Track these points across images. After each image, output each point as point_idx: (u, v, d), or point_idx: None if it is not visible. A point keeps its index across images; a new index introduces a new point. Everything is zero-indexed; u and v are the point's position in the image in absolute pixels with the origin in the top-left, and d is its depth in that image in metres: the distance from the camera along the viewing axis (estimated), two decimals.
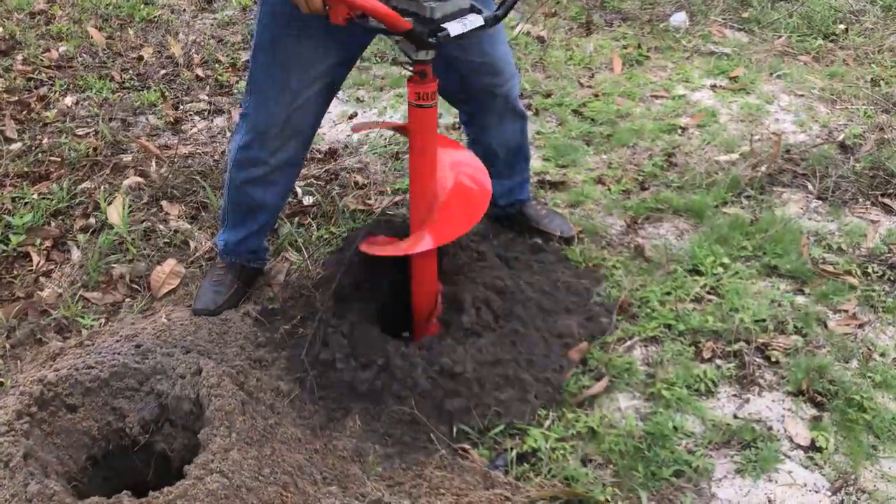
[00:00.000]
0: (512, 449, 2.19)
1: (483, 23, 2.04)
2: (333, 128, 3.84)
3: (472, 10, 2.05)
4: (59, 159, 3.50)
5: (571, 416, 2.30)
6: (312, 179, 3.41)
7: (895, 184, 3.29)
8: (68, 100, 4.02)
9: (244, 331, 2.49)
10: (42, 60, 4.41)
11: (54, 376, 2.22)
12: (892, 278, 2.85)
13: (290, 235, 2.99)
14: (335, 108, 3.99)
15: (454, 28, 1.97)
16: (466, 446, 2.20)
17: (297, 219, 3.11)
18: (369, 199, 3.25)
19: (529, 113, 3.86)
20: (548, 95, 4.04)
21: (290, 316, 2.54)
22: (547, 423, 2.28)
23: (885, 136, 3.55)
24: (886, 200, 3.25)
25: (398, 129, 2.60)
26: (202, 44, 4.62)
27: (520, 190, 2.93)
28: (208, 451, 2.01)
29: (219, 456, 1.98)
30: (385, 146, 3.63)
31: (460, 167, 2.39)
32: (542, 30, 4.74)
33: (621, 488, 2.11)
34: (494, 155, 2.76)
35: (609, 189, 3.31)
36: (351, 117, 3.92)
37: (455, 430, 2.24)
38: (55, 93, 4.08)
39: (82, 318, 2.67)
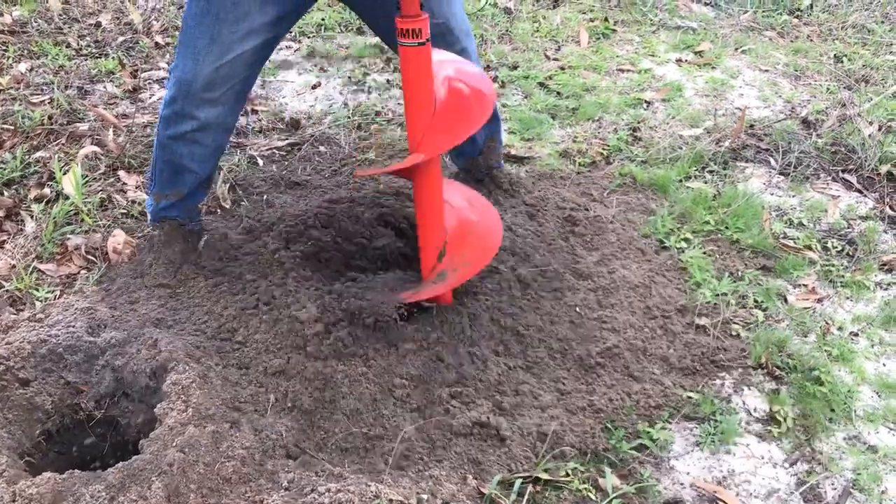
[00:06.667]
0: (474, 424, 2.18)
1: None
2: (296, 97, 3.78)
3: None
4: (13, 127, 3.40)
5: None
6: (275, 150, 3.36)
7: (856, 160, 3.32)
8: (22, 66, 3.90)
9: (201, 303, 2.44)
10: None
11: (6, 349, 2.18)
12: (850, 253, 2.88)
13: (248, 208, 2.95)
14: (298, 77, 3.93)
15: None
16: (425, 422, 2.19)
17: (256, 189, 3.06)
18: (333, 169, 3.21)
19: (495, 85, 3.82)
20: (514, 68, 4.01)
21: (248, 290, 2.50)
22: (507, 399, 2.27)
23: (847, 113, 3.57)
24: (847, 176, 3.28)
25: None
26: (162, 10, 4.51)
27: (491, 155, 2.90)
28: (165, 425, 1.98)
29: (175, 430, 1.95)
30: (349, 117, 3.58)
31: (456, 76, 2.24)
32: (509, 1, 4.69)
33: (583, 462, 2.12)
34: None
35: (574, 163, 3.30)
36: (314, 87, 3.86)
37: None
38: (9, 59, 3.96)
39: (36, 290, 2.61)
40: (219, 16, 2.13)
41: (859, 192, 3.21)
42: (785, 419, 2.26)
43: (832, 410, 2.31)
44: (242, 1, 2.13)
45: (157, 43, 4.21)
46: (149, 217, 2.67)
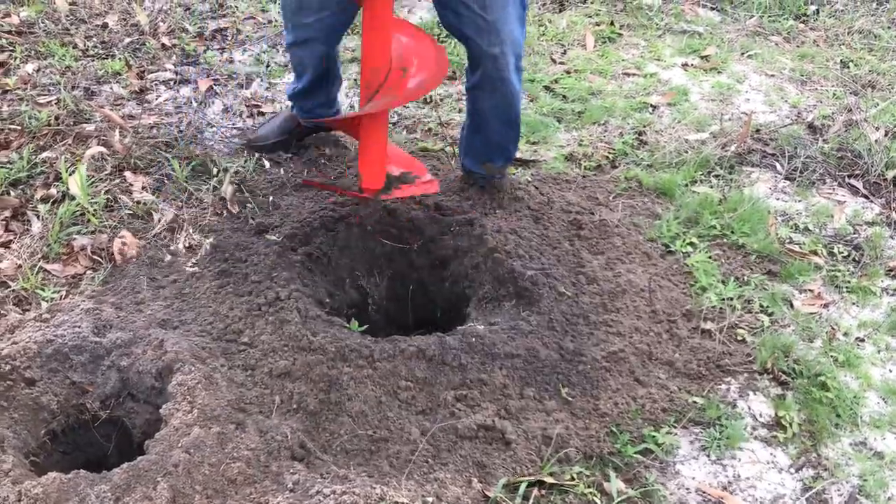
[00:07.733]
0: (479, 427, 2.18)
1: None
2: None
3: None
4: (19, 128, 3.40)
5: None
6: (280, 151, 3.35)
7: (862, 165, 3.32)
8: (29, 67, 3.91)
9: (207, 304, 2.45)
10: (2, 26, 4.28)
11: (12, 349, 2.18)
12: (856, 259, 2.87)
13: (254, 210, 2.95)
14: None
15: None
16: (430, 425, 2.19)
17: (262, 191, 3.07)
18: (338, 171, 3.21)
19: None
20: None
21: (254, 291, 2.50)
22: (513, 402, 2.27)
23: (853, 118, 3.57)
24: (853, 181, 3.27)
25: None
26: (169, 11, 4.52)
27: (498, 162, 2.92)
28: (170, 426, 1.98)
29: (181, 431, 1.95)
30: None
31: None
32: None
33: (588, 466, 2.12)
34: (486, 122, 2.79)
35: (579, 166, 3.30)
36: None
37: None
38: (16, 59, 3.97)
39: (42, 290, 2.61)
40: None
41: (865, 197, 3.20)
42: (791, 424, 2.26)
43: (838, 416, 2.30)
44: None
45: (163, 44, 4.21)
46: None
